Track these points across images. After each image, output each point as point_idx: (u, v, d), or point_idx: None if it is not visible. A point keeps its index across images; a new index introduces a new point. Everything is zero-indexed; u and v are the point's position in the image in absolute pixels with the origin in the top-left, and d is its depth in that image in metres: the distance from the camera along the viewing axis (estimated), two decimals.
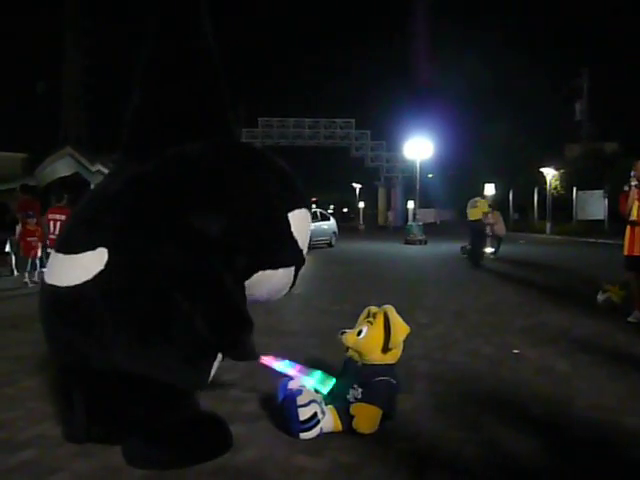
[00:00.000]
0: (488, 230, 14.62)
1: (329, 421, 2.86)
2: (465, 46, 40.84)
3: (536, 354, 4.59)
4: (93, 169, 25.80)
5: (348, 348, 3.02)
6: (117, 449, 2.70)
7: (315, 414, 2.79)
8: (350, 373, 3.01)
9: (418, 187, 27.09)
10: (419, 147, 27.58)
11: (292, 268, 2.95)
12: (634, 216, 5.80)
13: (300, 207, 2.93)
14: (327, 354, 4.33)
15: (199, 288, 2.55)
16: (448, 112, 42.22)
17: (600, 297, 6.84)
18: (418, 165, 26.99)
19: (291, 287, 3.13)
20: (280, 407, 2.93)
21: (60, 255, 2.72)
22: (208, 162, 2.81)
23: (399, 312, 3.08)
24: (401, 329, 2.95)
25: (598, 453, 2.73)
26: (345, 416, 2.87)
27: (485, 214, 12.81)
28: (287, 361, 3.17)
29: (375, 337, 2.95)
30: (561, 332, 5.43)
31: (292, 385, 2.97)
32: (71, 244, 2.70)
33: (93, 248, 2.58)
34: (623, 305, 6.37)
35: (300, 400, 2.80)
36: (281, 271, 2.88)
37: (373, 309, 3.11)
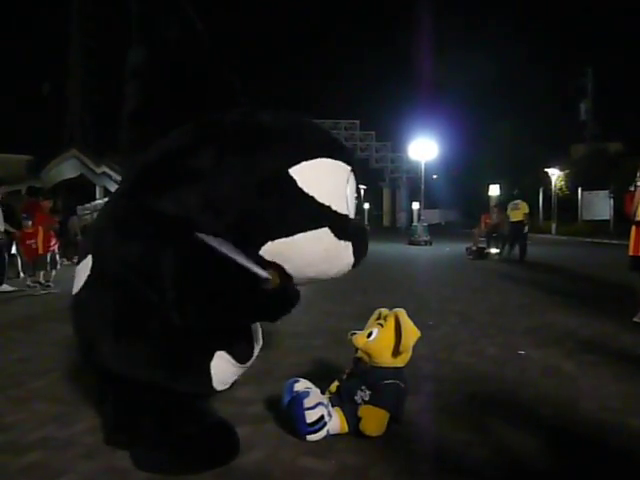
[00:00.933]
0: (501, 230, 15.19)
1: (336, 423, 2.85)
2: (469, 46, 40.80)
3: (541, 355, 4.57)
4: (98, 171, 25.92)
5: (357, 350, 3.01)
6: (124, 451, 2.71)
7: (322, 416, 2.79)
8: (358, 375, 3.00)
9: (423, 188, 27.08)
10: (424, 148, 27.58)
11: (321, 230, 2.44)
12: (638, 217, 5.76)
13: (309, 158, 2.44)
14: (332, 355, 4.34)
15: (168, 276, 2.31)
16: (453, 113, 42.21)
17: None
18: (423, 166, 26.99)
19: (356, 259, 2.64)
20: (286, 409, 2.93)
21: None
22: (177, 141, 2.60)
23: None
24: (412, 333, 2.93)
25: (604, 454, 2.72)
26: (352, 418, 2.86)
27: (526, 215, 13.87)
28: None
29: (386, 340, 2.93)
30: (567, 333, 5.41)
31: (298, 387, 2.96)
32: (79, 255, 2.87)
33: (85, 256, 2.70)
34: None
35: (307, 403, 2.79)
36: (300, 237, 2.39)
37: (384, 311, 3.09)
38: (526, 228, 13.96)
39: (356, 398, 2.91)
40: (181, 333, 2.42)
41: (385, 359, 2.92)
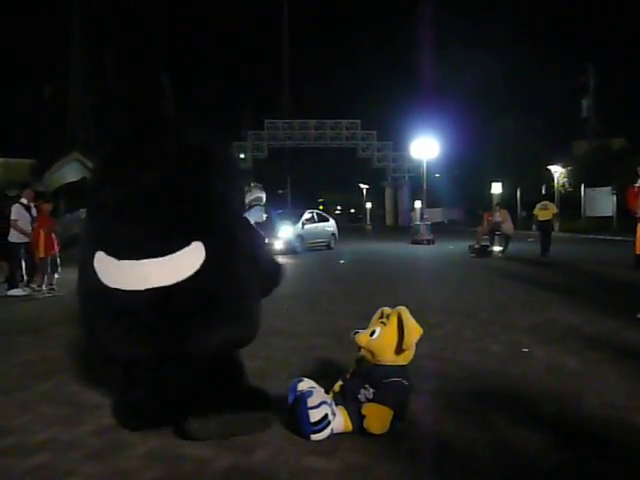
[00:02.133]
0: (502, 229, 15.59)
1: (340, 422, 2.85)
2: (470, 44, 40.70)
3: (545, 352, 4.57)
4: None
5: (360, 348, 3.01)
6: (129, 453, 2.73)
7: (326, 415, 2.79)
8: (361, 374, 3.01)
9: (425, 187, 27.04)
10: (426, 147, 27.51)
11: None
12: None
13: None
14: (336, 355, 4.34)
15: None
16: (454, 111, 42.02)
17: None
18: (425, 165, 26.95)
19: None
20: (290, 408, 2.94)
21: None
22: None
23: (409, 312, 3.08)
24: (414, 330, 2.95)
25: (608, 452, 2.72)
26: (356, 416, 2.86)
27: (555, 215, 15.08)
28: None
29: (388, 338, 2.94)
30: (570, 330, 5.41)
31: (302, 386, 2.97)
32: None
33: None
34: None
35: (311, 402, 2.79)
36: None
37: (387, 310, 3.10)
38: (555, 226, 15.28)
39: (359, 397, 2.91)
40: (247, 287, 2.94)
41: (388, 357, 2.92)
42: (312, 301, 7.45)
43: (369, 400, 2.88)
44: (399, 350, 2.92)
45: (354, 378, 3.04)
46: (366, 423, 2.82)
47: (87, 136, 39.28)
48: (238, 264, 2.90)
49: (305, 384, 3.01)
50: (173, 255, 2.75)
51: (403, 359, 2.96)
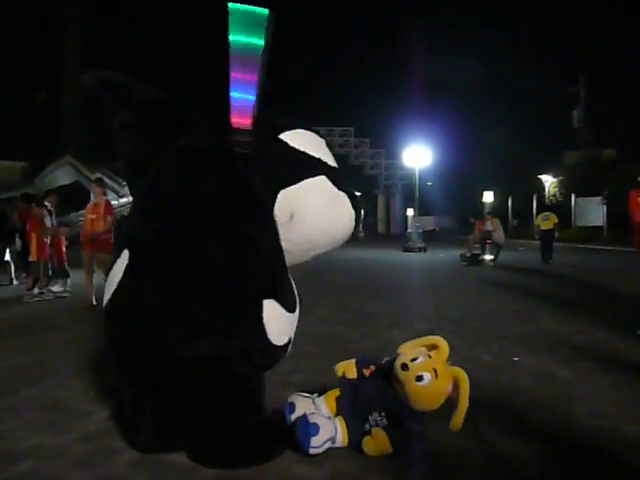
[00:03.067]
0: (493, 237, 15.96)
1: (339, 438, 2.73)
2: (463, 55, 41.04)
3: (536, 361, 4.58)
4: (93, 178, 25.84)
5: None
6: (116, 460, 2.70)
7: (328, 441, 2.67)
8: (374, 393, 2.80)
9: (417, 195, 27.16)
10: (418, 155, 27.68)
11: (320, 178, 3.01)
12: None
13: (288, 129, 3.10)
14: (327, 362, 4.31)
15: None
16: (446, 120, 42.34)
17: None
18: (417, 173, 27.09)
19: (356, 213, 3.15)
20: (290, 429, 2.77)
21: None
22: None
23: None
24: (466, 398, 2.67)
25: (598, 461, 2.72)
26: (356, 433, 2.73)
27: (556, 224, 16.00)
28: None
29: (437, 394, 2.69)
30: (561, 339, 5.43)
31: (301, 408, 2.81)
32: None
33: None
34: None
35: (315, 442, 2.62)
36: (306, 183, 2.96)
37: (434, 340, 2.90)
38: (556, 234, 16.14)
39: (370, 418, 2.75)
40: (231, 289, 2.62)
41: (423, 407, 2.73)
42: (303, 308, 7.43)
43: (378, 426, 2.73)
44: (437, 406, 2.73)
45: (370, 387, 2.83)
46: (366, 444, 2.70)
47: (81, 140, 39.13)
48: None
49: (303, 404, 2.88)
50: None
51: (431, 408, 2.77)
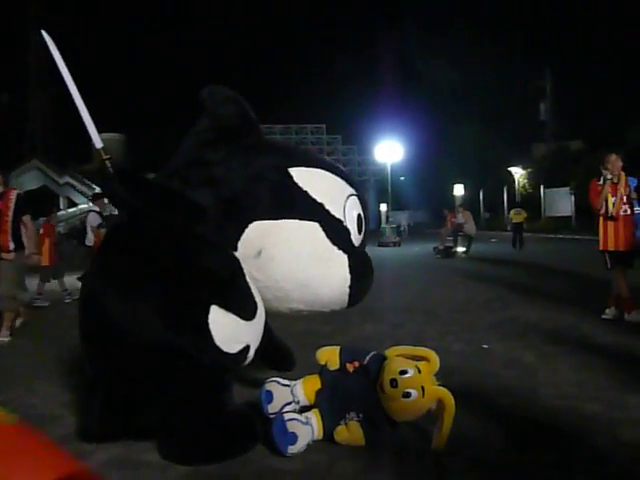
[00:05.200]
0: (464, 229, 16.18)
1: (315, 432, 2.73)
2: (432, 49, 41.35)
3: (504, 348, 4.69)
4: (61, 181, 25.44)
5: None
6: (88, 460, 2.70)
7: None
8: (356, 392, 2.79)
9: (390, 190, 27.37)
10: (389, 150, 27.87)
11: (311, 224, 2.69)
12: (612, 211, 5.68)
13: (309, 166, 2.87)
14: (301, 357, 4.34)
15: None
16: (417, 115, 42.70)
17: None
18: (389, 168, 27.28)
19: (355, 284, 2.83)
20: (266, 423, 2.78)
21: None
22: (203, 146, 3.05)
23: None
24: (450, 422, 2.66)
25: (559, 438, 2.82)
26: (330, 425, 2.75)
27: (525, 218, 18.66)
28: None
29: (421, 410, 2.71)
30: (529, 326, 5.56)
31: (278, 399, 2.81)
32: None
33: None
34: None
35: (292, 449, 2.63)
36: (287, 222, 2.67)
37: (423, 351, 2.89)
38: (524, 226, 18.69)
39: (347, 416, 2.75)
40: (176, 288, 2.58)
41: (402, 418, 2.76)
42: None
43: (355, 420, 2.74)
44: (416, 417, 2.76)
45: (352, 384, 2.82)
46: (339, 432, 2.73)
47: (48, 143, 38.40)
48: None
49: (280, 393, 2.89)
50: None
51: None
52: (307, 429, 2.70)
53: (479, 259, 14.40)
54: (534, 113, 40.04)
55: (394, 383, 2.63)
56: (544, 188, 30.19)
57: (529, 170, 34.47)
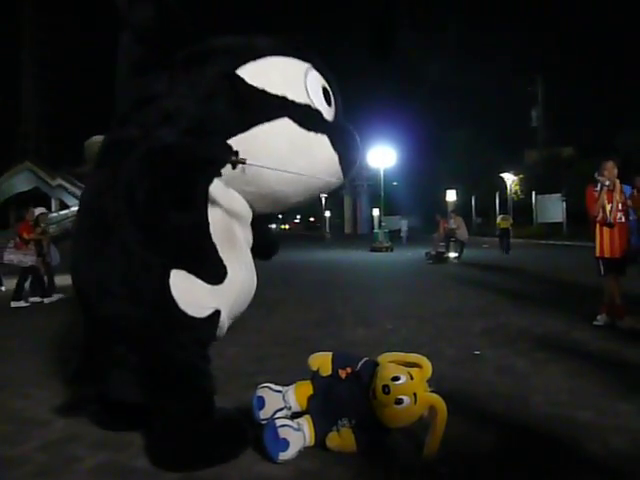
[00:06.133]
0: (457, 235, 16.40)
1: (306, 439, 2.72)
2: (425, 56, 41.62)
3: (496, 354, 4.70)
4: (54, 183, 25.24)
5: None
6: (77, 467, 2.67)
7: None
8: (348, 399, 2.77)
9: (383, 195, 27.39)
10: (382, 155, 27.90)
11: (280, 121, 2.60)
12: (610, 218, 5.67)
13: (256, 59, 2.65)
14: (293, 363, 4.34)
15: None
16: (410, 121, 42.88)
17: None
18: (382, 173, 27.31)
19: (343, 155, 2.74)
20: (257, 428, 2.77)
21: None
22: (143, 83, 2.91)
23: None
24: (441, 432, 2.64)
25: (552, 446, 2.82)
26: (322, 432, 2.73)
27: (511, 224, 20.10)
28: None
29: (413, 417, 2.70)
30: (520, 332, 5.57)
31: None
32: None
33: None
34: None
35: (283, 455, 2.61)
36: (258, 130, 2.57)
37: (414, 358, 2.87)
38: (510, 232, 19.89)
39: (339, 422, 2.73)
40: (137, 251, 2.50)
41: (394, 425, 2.74)
42: (269, 309, 7.43)
43: (347, 427, 2.72)
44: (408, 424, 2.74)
45: (343, 390, 2.80)
46: (331, 438, 2.71)
47: (39, 144, 38.18)
48: None
49: (272, 399, 2.87)
50: None
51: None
52: (299, 435, 2.68)
53: (471, 265, 14.43)
54: (526, 119, 40.33)
55: (386, 389, 2.62)
56: (536, 194, 30.37)
57: (521, 176, 34.68)
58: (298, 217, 76.33)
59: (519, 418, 3.19)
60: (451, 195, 28.24)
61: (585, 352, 4.68)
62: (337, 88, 2.91)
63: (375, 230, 26.87)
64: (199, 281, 2.56)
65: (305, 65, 2.75)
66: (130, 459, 2.74)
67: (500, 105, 39.06)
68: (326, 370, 2.92)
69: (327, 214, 56.78)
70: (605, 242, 5.75)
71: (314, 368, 2.96)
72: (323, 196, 61.02)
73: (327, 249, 25.88)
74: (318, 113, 2.71)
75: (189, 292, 2.55)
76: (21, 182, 25.69)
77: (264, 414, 2.86)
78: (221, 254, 2.61)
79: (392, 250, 22.34)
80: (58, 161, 27.42)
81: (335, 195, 54.95)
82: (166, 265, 2.51)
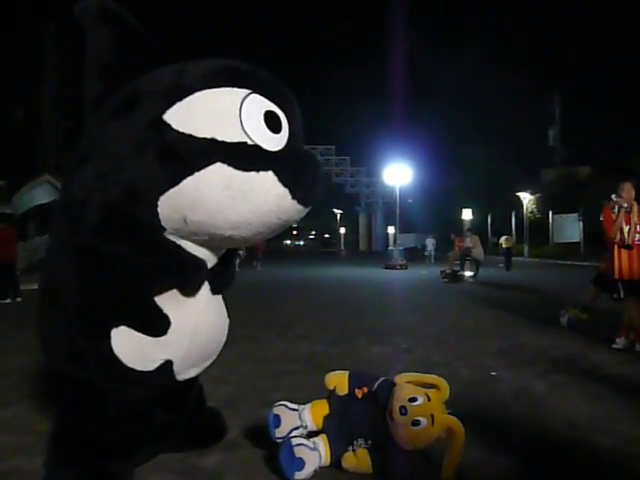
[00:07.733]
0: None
1: (322, 459, 2.69)
2: (442, 75, 41.82)
3: (513, 376, 4.63)
4: None
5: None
6: None
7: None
8: (364, 419, 2.73)
9: (398, 212, 27.38)
10: (398, 173, 27.95)
11: (212, 167, 2.23)
12: (628, 240, 5.63)
13: (182, 98, 2.30)
14: (307, 381, 4.32)
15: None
16: (426, 138, 42.97)
17: (562, 319, 7.25)
18: (398, 190, 27.32)
19: (296, 189, 2.29)
20: (273, 445, 2.75)
21: None
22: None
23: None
24: (459, 454, 2.63)
25: (570, 472, 2.77)
26: (338, 452, 2.70)
27: (514, 244, 21.97)
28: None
29: (430, 438, 2.66)
30: (538, 353, 5.50)
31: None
32: None
33: None
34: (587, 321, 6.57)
35: (299, 475, 2.59)
36: (188, 181, 2.24)
37: (431, 378, 2.86)
38: (511, 251, 21.99)
39: (355, 443, 2.71)
40: (75, 321, 2.45)
41: (411, 447, 2.68)
42: (283, 326, 7.42)
43: (364, 448, 2.69)
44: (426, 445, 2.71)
45: (360, 409, 2.76)
46: (346, 459, 2.67)
47: (59, 158, 38.78)
48: None
49: (288, 418, 2.83)
50: None
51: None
52: (315, 455, 2.66)
53: (487, 284, 14.32)
54: (543, 138, 40.22)
55: (403, 410, 2.58)
56: (552, 214, 30.13)
57: (537, 195, 34.45)
58: (313, 233, 76.42)
59: (538, 442, 3.13)
60: (467, 214, 28.15)
61: (604, 375, 4.60)
62: (291, 106, 2.49)
63: (390, 247, 26.81)
64: (140, 335, 2.43)
65: (242, 93, 2.32)
66: (146, 472, 2.73)
67: (517, 123, 39.07)
68: (342, 389, 2.88)
69: (342, 230, 56.95)
70: (624, 264, 5.68)
71: (330, 387, 2.93)
72: (338, 212, 61.31)
73: (342, 266, 25.84)
74: (256, 148, 2.29)
75: (133, 348, 2.43)
76: (41, 195, 26.08)
77: (280, 432, 2.84)
78: (161, 304, 2.45)
79: (407, 268, 22.25)
80: None
81: (350, 212, 55.08)
82: (105, 323, 2.41)
